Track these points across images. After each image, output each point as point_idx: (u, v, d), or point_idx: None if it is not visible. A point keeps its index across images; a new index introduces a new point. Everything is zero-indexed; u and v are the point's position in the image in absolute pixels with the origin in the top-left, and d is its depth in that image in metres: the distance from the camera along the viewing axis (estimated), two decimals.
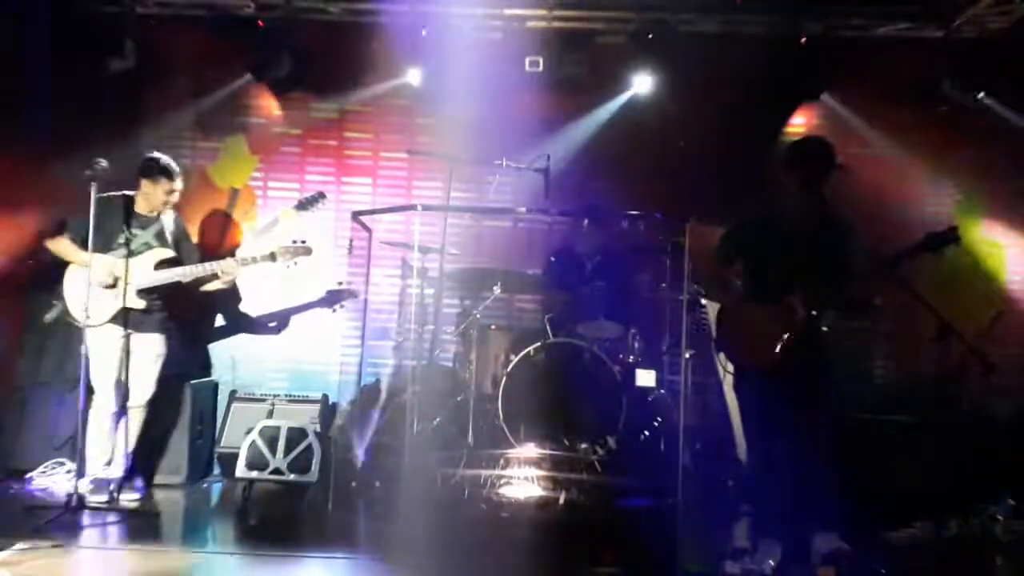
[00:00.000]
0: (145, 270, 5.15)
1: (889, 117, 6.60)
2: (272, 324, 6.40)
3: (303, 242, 5.32)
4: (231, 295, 6.49)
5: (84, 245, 5.03)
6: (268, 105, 7.01)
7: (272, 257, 5.28)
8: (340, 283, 6.18)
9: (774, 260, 4.39)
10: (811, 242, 4.34)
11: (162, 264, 5.19)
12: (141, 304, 5.14)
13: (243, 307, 6.46)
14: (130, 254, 5.11)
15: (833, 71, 6.53)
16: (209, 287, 5.31)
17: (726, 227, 4.66)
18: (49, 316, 5.46)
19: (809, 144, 4.54)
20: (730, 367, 4.54)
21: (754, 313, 4.36)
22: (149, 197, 5.25)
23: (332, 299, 6.12)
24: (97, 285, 4.99)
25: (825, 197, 4.37)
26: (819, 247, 4.33)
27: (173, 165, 5.34)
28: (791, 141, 4.68)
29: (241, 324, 6.40)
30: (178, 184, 5.31)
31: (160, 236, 5.26)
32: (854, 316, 4.62)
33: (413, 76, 6.70)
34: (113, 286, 5.07)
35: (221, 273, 5.21)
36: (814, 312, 4.27)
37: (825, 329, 4.41)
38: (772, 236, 4.43)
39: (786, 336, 4.25)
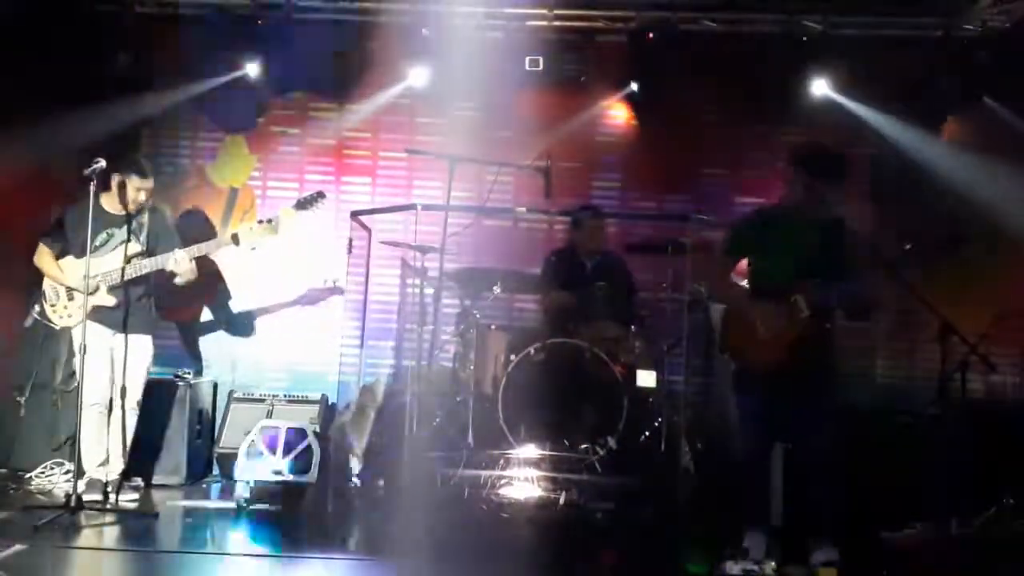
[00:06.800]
0: (112, 266, 5.09)
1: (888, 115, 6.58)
2: (252, 323, 6.44)
3: (269, 221, 5.24)
4: (220, 293, 6.52)
5: (63, 253, 5.16)
6: (268, 104, 6.98)
7: (235, 240, 5.20)
8: (325, 280, 6.16)
9: (779, 257, 4.37)
10: (816, 241, 4.32)
11: (131, 260, 5.12)
12: (112, 301, 5.09)
13: (232, 305, 6.51)
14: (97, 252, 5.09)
15: (833, 70, 6.51)
16: (178, 281, 5.21)
17: (731, 224, 4.66)
18: (27, 320, 5.47)
19: (813, 145, 4.58)
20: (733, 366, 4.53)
21: (758, 312, 4.32)
22: (121, 193, 5.14)
23: (314, 297, 6.10)
24: (84, 293, 4.98)
25: (828, 198, 4.36)
26: (823, 246, 4.31)
27: (146, 163, 5.30)
28: (796, 143, 4.69)
29: (224, 321, 6.41)
30: (149, 183, 5.21)
31: (135, 233, 5.18)
32: (857, 319, 4.61)
33: (413, 75, 6.68)
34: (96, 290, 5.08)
35: (173, 265, 5.09)
36: (819, 312, 4.25)
37: (828, 326, 4.38)
38: (778, 233, 4.42)
39: (790, 336, 4.23)
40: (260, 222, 5.26)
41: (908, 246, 4.18)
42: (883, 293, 4.23)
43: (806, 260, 4.29)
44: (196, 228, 6.45)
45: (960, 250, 4.18)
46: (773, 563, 4.05)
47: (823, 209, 4.38)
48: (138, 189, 5.16)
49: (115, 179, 5.16)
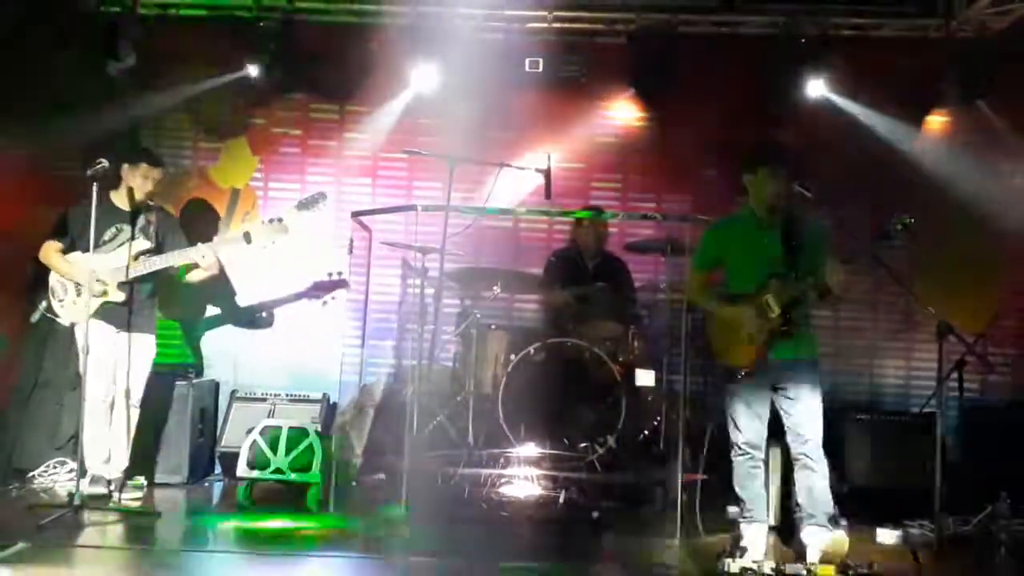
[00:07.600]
0: (123, 262, 5.11)
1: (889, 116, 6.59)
2: (260, 315, 6.46)
3: (280, 220, 5.27)
4: (224, 288, 6.53)
5: (71, 249, 5.18)
6: (269, 106, 7.00)
7: (247, 238, 5.22)
8: (330, 273, 6.17)
9: (748, 259, 4.48)
10: (782, 238, 4.43)
11: (141, 256, 5.15)
12: (120, 297, 5.12)
13: (237, 299, 6.53)
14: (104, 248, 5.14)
15: (832, 70, 6.52)
16: (192, 277, 5.29)
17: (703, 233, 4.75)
18: (34, 316, 5.49)
19: (756, 147, 4.71)
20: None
21: (731, 314, 4.44)
22: (129, 185, 5.20)
23: (320, 289, 6.11)
24: (89, 291, 5.00)
25: (791, 193, 4.44)
26: (789, 243, 4.41)
27: (155, 152, 5.40)
28: (752, 144, 4.76)
29: (230, 315, 6.44)
30: (156, 172, 5.28)
31: (143, 230, 5.23)
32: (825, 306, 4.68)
33: (414, 78, 6.70)
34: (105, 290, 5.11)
35: (200, 259, 5.16)
36: (788, 309, 4.33)
37: (803, 324, 4.45)
38: (744, 234, 4.53)
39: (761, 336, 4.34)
40: (271, 220, 5.29)
41: (909, 220, 4.18)
42: (849, 280, 4.26)
43: (773, 259, 4.39)
44: (200, 222, 6.48)
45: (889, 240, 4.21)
46: (773, 563, 4.06)
47: (782, 208, 4.45)
48: (146, 177, 5.22)
49: (124, 169, 5.20)
